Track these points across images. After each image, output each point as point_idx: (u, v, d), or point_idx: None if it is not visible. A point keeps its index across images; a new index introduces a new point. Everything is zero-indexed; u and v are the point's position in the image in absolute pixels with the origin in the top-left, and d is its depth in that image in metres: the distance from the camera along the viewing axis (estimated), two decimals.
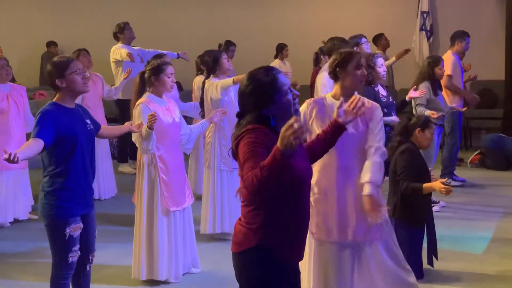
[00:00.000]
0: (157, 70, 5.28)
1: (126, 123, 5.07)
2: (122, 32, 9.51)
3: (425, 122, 5.61)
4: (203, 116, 6.62)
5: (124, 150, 10.01)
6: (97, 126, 4.39)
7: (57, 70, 4.09)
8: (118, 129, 4.99)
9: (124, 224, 7.16)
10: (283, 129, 2.79)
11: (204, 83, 6.65)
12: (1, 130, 7.03)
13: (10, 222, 7.24)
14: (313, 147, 3.49)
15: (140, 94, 5.35)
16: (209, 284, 5.44)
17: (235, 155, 3.16)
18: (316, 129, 4.07)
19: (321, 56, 9.61)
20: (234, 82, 6.20)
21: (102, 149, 8.29)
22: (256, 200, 3.10)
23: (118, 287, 5.43)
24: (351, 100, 3.47)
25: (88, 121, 4.25)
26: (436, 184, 5.04)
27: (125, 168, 9.97)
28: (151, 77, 5.29)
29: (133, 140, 5.22)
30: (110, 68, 9.44)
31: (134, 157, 10.05)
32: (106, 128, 4.71)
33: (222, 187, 6.45)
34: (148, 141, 5.07)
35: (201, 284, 5.44)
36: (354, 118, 3.43)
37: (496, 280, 5.41)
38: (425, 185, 5.14)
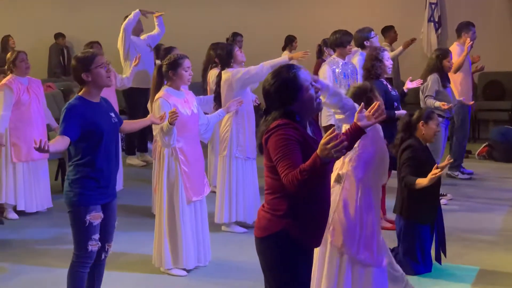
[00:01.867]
0: (175, 64, 5.35)
1: (148, 116, 5.18)
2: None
3: (428, 114, 5.56)
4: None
5: (132, 142, 10.06)
6: (120, 119, 4.48)
7: (83, 64, 4.21)
8: (139, 123, 5.04)
9: (135, 214, 7.26)
10: (323, 141, 2.97)
11: (219, 76, 6.66)
12: (25, 121, 7.21)
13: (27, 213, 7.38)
14: None
15: (158, 87, 5.45)
16: (220, 276, 5.47)
17: (261, 149, 3.36)
18: None
19: (324, 49, 9.60)
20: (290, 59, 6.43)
21: None
22: (282, 189, 3.24)
23: (137, 275, 5.53)
24: (372, 106, 3.58)
25: (112, 114, 4.36)
26: (427, 179, 5.00)
27: (133, 160, 10.01)
28: (168, 71, 5.36)
29: (154, 134, 5.30)
30: (117, 59, 9.46)
31: (142, 150, 10.13)
32: (127, 123, 4.80)
33: (237, 175, 6.51)
34: (170, 136, 5.16)
35: (210, 276, 5.48)
36: (374, 122, 3.54)
37: (503, 275, 5.40)
38: (417, 180, 5.10)
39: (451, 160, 5.07)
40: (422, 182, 5.06)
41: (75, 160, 4.22)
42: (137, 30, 9.57)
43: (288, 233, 3.29)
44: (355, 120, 3.54)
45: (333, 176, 4.30)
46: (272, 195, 3.35)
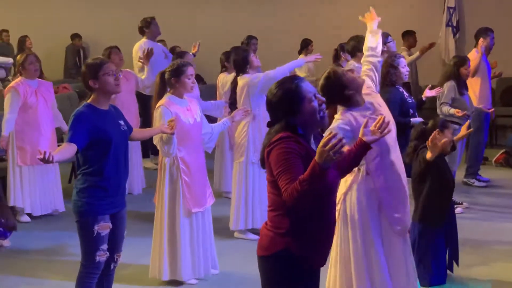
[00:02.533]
0: (177, 71, 5.26)
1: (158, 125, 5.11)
2: (148, 27, 9.44)
3: (443, 123, 5.50)
4: None
5: (146, 145, 10.02)
6: (130, 127, 4.44)
7: (91, 71, 4.20)
8: (149, 131, 5.02)
9: (144, 221, 7.17)
10: (321, 144, 2.89)
11: (235, 82, 6.59)
12: (31, 125, 7.17)
13: (37, 216, 7.35)
14: (340, 163, 3.49)
15: (160, 95, 5.35)
16: (228, 286, 5.42)
17: (263, 163, 3.26)
18: None
19: (341, 53, 9.54)
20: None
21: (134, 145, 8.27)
22: (284, 205, 3.14)
23: (137, 287, 5.44)
24: (377, 120, 3.54)
25: (121, 122, 4.32)
26: (430, 150, 5.01)
27: (147, 163, 9.98)
28: (171, 78, 5.27)
29: (154, 143, 5.23)
30: (132, 63, 9.44)
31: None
32: (138, 131, 4.77)
33: (253, 181, 6.47)
34: (169, 145, 5.08)
35: (220, 285, 5.42)
36: (380, 137, 3.51)
37: None
38: (427, 155, 5.12)
39: (471, 130, 5.02)
40: (427, 155, 5.08)
41: (83, 169, 4.19)
42: (155, 33, 9.52)
43: (291, 252, 3.18)
44: (360, 135, 3.50)
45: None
46: (274, 212, 3.24)
